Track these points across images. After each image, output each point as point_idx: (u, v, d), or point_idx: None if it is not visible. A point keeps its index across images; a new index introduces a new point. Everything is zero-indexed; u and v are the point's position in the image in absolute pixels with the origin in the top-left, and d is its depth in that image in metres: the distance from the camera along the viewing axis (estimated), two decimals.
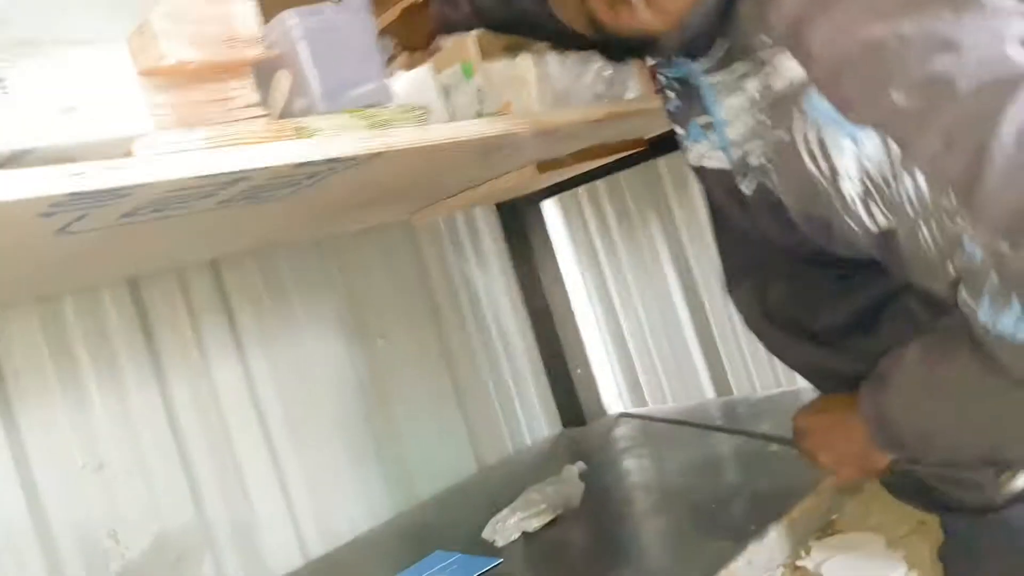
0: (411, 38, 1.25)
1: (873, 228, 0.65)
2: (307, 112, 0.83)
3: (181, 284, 1.34)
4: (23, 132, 0.58)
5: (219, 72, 0.77)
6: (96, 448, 1.21)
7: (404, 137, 0.81)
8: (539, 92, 1.19)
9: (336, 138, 0.76)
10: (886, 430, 0.75)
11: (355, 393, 1.52)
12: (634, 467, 1.40)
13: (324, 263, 1.52)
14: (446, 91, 1.17)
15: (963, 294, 0.62)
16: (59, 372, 1.20)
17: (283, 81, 0.83)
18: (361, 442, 1.50)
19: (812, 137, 0.65)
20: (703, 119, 0.79)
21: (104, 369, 1.23)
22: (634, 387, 1.84)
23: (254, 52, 0.79)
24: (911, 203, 0.61)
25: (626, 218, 1.78)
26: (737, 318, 0.95)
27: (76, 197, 0.60)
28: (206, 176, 0.67)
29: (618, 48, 0.78)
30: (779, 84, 0.68)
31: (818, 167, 0.66)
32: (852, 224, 0.66)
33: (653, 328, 1.79)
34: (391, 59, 1.40)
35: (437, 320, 1.67)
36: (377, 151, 0.78)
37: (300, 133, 0.75)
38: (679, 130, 0.85)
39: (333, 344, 1.51)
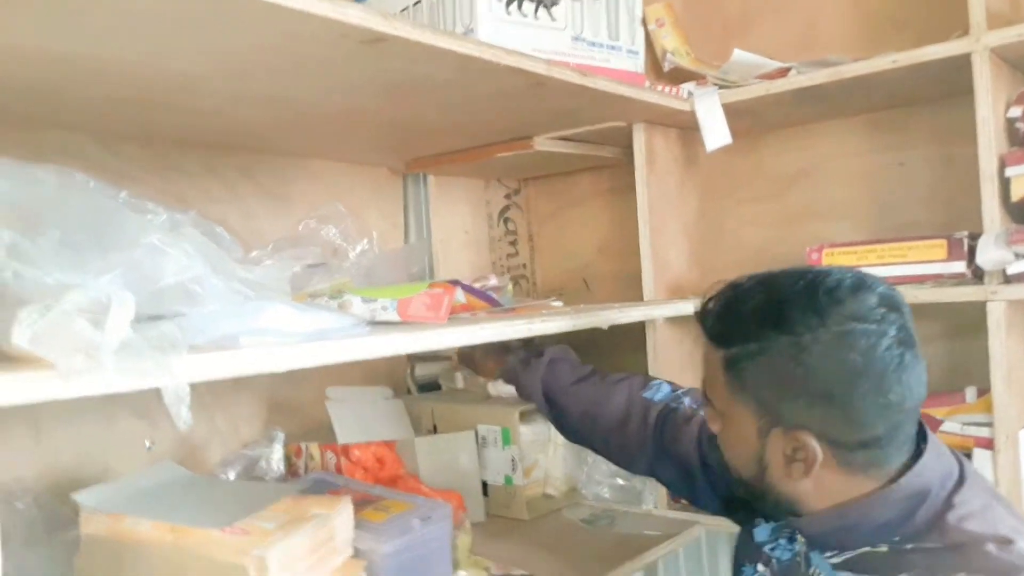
0: (479, 365, 1.28)
1: None
2: None
3: None
4: None
5: None
6: None
7: None
8: (563, 453, 1.35)
9: None
10: None
11: None
12: None
13: None
14: (483, 443, 1.31)
15: None
16: None
17: None
18: None
19: None
20: None
21: None
22: None
23: (345, 555, 0.91)
24: None
25: None
26: None
27: None
28: None
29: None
30: None
31: None
32: None
33: None
34: (453, 366, 1.49)
35: None
36: None
37: None
38: None
39: None
